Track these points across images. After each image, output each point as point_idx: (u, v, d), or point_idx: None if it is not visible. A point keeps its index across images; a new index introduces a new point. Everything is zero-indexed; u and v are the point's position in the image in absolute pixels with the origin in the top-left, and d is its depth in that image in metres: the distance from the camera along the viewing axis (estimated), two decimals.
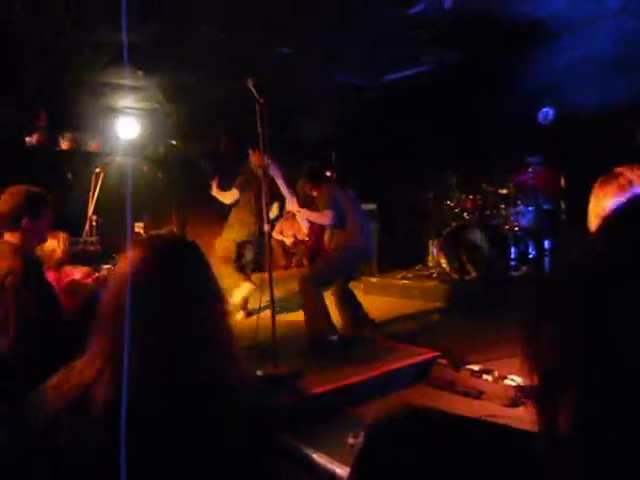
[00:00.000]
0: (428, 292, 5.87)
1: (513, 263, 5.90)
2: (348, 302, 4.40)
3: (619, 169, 1.85)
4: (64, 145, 6.39)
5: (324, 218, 4.13)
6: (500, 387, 3.16)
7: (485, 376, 3.28)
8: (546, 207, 5.95)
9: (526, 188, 5.93)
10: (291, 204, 4.33)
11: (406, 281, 6.26)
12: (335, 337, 3.97)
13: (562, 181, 5.94)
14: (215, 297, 1.06)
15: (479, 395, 3.22)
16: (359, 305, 4.47)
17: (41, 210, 2.38)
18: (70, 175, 6.11)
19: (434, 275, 6.20)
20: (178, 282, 1.02)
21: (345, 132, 7.35)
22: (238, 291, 5.00)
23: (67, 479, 0.92)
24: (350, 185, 5.14)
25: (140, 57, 4.66)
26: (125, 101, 6.46)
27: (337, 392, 3.20)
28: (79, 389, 0.96)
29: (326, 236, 4.44)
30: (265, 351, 3.48)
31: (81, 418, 0.93)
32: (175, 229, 6.97)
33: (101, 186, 5.56)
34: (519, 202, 5.91)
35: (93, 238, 5.16)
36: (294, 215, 4.74)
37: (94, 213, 5.52)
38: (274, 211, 5.10)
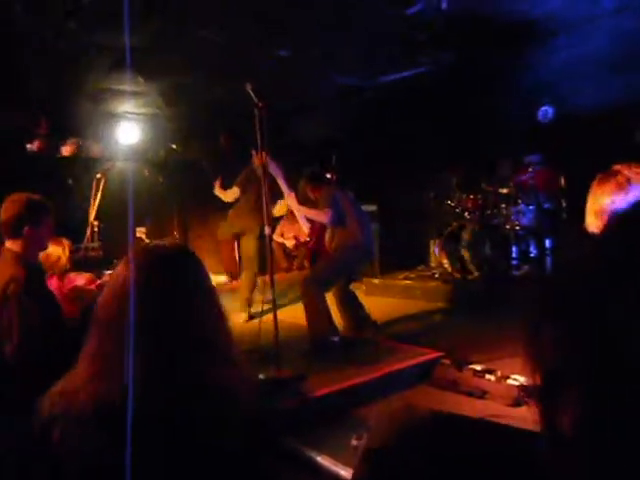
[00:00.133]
0: (430, 292, 5.87)
1: (515, 262, 5.90)
2: (349, 303, 4.41)
3: (617, 167, 1.85)
4: (66, 151, 6.41)
5: (323, 216, 4.14)
6: (503, 387, 3.16)
7: (488, 376, 3.28)
8: (547, 206, 5.95)
9: (526, 187, 5.93)
10: (289, 200, 4.33)
11: (408, 282, 6.26)
12: (337, 338, 3.98)
13: (562, 180, 5.94)
14: (212, 301, 1.08)
15: (482, 395, 3.22)
16: (360, 306, 4.47)
17: (42, 218, 2.39)
18: (71, 181, 6.12)
19: (436, 275, 6.20)
20: (177, 285, 1.03)
21: (345, 134, 7.36)
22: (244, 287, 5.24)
23: None
24: (350, 186, 5.15)
25: (140, 61, 4.67)
26: (125, 106, 6.48)
27: (340, 394, 3.20)
28: (76, 394, 0.96)
29: (327, 236, 4.45)
30: (267, 354, 3.48)
31: (78, 422, 0.94)
32: (177, 232, 6.99)
33: (102, 192, 5.57)
34: (520, 201, 5.91)
35: (95, 244, 5.18)
36: (295, 217, 4.75)
37: (95, 219, 5.53)
38: (281, 209, 5.15)
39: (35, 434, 0.96)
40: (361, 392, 3.26)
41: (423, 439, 0.73)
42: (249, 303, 5.19)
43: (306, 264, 4.79)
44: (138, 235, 6.00)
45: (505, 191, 6.02)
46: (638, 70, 4.89)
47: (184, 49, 4.88)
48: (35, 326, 2.15)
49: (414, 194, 6.92)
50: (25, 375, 2.01)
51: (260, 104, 3.38)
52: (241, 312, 5.18)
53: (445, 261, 6.08)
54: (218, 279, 6.99)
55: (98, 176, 5.62)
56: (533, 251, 5.93)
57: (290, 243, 7.16)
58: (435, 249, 6.38)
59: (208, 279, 1.10)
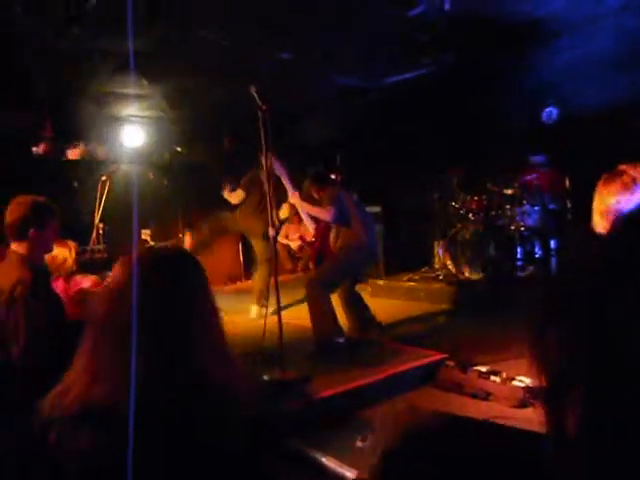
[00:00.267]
0: (434, 294, 5.86)
1: (519, 263, 5.89)
2: (355, 304, 4.41)
3: (622, 167, 1.84)
4: (74, 155, 6.45)
5: (325, 213, 4.14)
6: (508, 388, 3.15)
7: (493, 377, 3.27)
8: (552, 207, 5.93)
9: (531, 188, 5.92)
10: (293, 198, 4.33)
11: (412, 283, 6.25)
12: (342, 340, 3.97)
13: (567, 181, 5.92)
14: (210, 302, 1.09)
15: (487, 397, 3.21)
16: (366, 307, 4.47)
17: (47, 220, 2.40)
18: (76, 184, 6.15)
19: (440, 277, 6.18)
20: (177, 285, 1.05)
21: (349, 135, 7.37)
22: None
23: None
24: (354, 188, 5.16)
25: (144, 65, 4.69)
26: (130, 109, 6.51)
27: (345, 395, 3.20)
28: (69, 395, 0.97)
29: (332, 236, 4.46)
30: (272, 356, 3.48)
31: (73, 424, 0.94)
32: (181, 235, 7.01)
33: (107, 194, 5.60)
34: (525, 202, 5.89)
35: (100, 246, 5.20)
36: (299, 219, 4.76)
37: (100, 221, 5.55)
38: (284, 212, 5.20)
39: (35, 435, 0.97)
40: (366, 393, 3.26)
41: (429, 441, 0.73)
42: (264, 298, 5.24)
43: (311, 265, 4.79)
44: (143, 237, 6.02)
45: (510, 192, 6.00)
46: None
47: (188, 53, 4.89)
48: (41, 328, 2.16)
49: (418, 195, 6.91)
50: (31, 377, 2.02)
51: (264, 106, 3.39)
52: (252, 305, 5.36)
53: (449, 262, 6.07)
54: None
55: (103, 179, 5.65)
56: (538, 252, 5.91)
57: (294, 245, 7.17)
58: (439, 250, 6.37)
59: (206, 280, 1.11)
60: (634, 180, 1.81)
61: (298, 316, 4.85)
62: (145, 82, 5.26)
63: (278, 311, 3.50)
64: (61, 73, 5.05)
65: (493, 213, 6.11)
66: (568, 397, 0.48)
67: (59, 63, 4.79)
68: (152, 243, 5.86)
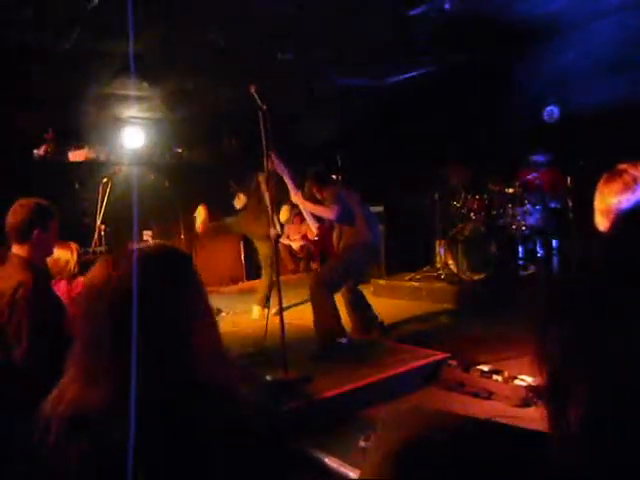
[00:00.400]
0: (436, 293, 5.85)
1: (521, 262, 5.88)
2: (358, 304, 4.41)
3: (623, 166, 1.84)
4: (76, 157, 6.46)
5: (329, 212, 4.13)
6: (510, 387, 3.14)
7: (495, 376, 3.27)
8: (553, 206, 5.92)
9: (532, 187, 5.91)
10: (296, 198, 4.32)
11: (414, 283, 6.24)
12: (344, 340, 3.97)
13: (568, 180, 5.91)
14: (201, 299, 1.08)
15: (489, 396, 3.20)
16: (368, 306, 4.47)
17: (49, 222, 2.41)
18: (77, 186, 6.16)
19: (442, 276, 6.18)
20: (166, 284, 1.03)
21: (349, 135, 7.37)
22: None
23: None
24: (356, 188, 5.15)
25: (144, 66, 4.70)
26: (130, 111, 6.52)
27: (347, 395, 3.20)
28: (68, 398, 0.98)
29: (335, 235, 4.45)
30: (274, 356, 3.48)
31: (74, 425, 0.95)
32: (182, 236, 7.01)
33: (108, 196, 5.60)
34: (526, 201, 5.88)
35: (102, 248, 5.21)
36: (301, 220, 4.76)
37: (102, 223, 5.56)
38: (284, 214, 5.23)
39: (35, 437, 0.98)
40: (368, 393, 3.25)
41: (438, 442, 0.73)
42: (267, 299, 5.33)
43: (313, 266, 4.79)
44: (144, 238, 6.03)
45: (511, 191, 5.99)
46: None
47: (188, 54, 4.90)
48: (43, 330, 2.16)
49: (419, 195, 6.90)
50: (33, 378, 2.03)
51: (264, 107, 3.39)
52: (254, 305, 5.42)
53: (451, 262, 6.07)
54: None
55: (104, 180, 5.65)
56: (540, 251, 5.90)
57: (296, 245, 7.16)
58: (441, 250, 6.36)
59: (197, 279, 1.10)
60: (635, 179, 1.80)
61: (300, 317, 4.86)
62: (145, 84, 5.27)
63: (280, 311, 3.50)
64: (61, 76, 5.06)
65: (494, 212, 6.10)
66: (570, 396, 0.48)
67: (60, 65, 4.79)
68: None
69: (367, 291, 5.42)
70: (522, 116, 6.03)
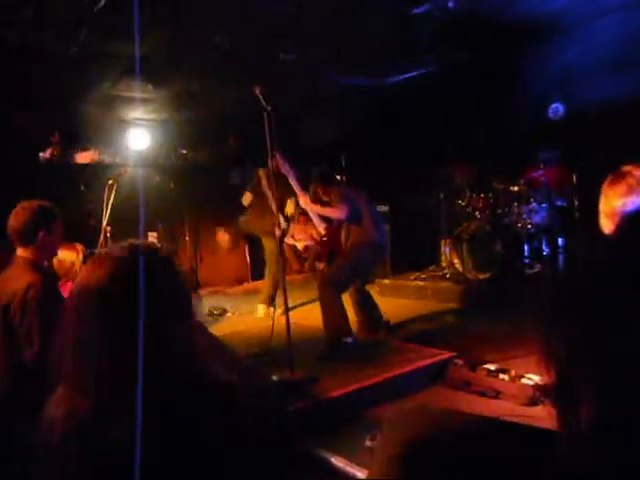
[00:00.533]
0: (442, 293, 5.84)
1: (527, 261, 5.86)
2: (365, 304, 4.41)
3: (627, 168, 1.82)
4: (83, 159, 6.50)
5: (339, 212, 4.13)
6: (517, 386, 3.14)
7: (502, 375, 3.26)
8: (559, 204, 5.89)
9: (538, 185, 5.88)
10: (302, 200, 4.32)
11: (420, 282, 6.24)
12: (351, 340, 3.97)
13: (574, 178, 5.88)
14: (186, 301, 1.09)
15: (496, 395, 3.20)
16: (375, 306, 4.47)
17: (53, 223, 2.42)
18: (83, 188, 6.19)
19: (447, 275, 6.16)
20: (149, 285, 1.03)
21: (354, 135, 7.36)
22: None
23: None
24: (361, 187, 5.14)
25: (150, 68, 4.72)
26: (135, 113, 6.54)
27: (353, 395, 3.20)
28: (66, 397, 0.98)
29: (342, 235, 4.45)
30: (280, 356, 3.49)
31: (73, 424, 0.95)
32: (188, 237, 7.04)
33: (114, 197, 5.62)
34: (531, 199, 5.86)
35: (107, 249, 5.22)
36: (306, 219, 4.75)
37: (108, 224, 5.57)
38: (289, 208, 5.24)
39: (40, 435, 0.98)
40: (374, 393, 3.25)
41: (447, 441, 0.73)
42: (272, 298, 5.34)
43: (319, 266, 4.78)
44: (150, 240, 6.05)
45: (516, 189, 5.97)
46: None
47: (193, 56, 4.91)
48: (53, 331, 2.18)
49: (424, 194, 6.90)
50: (44, 379, 2.04)
51: (269, 108, 3.39)
52: (259, 304, 5.44)
53: (456, 261, 6.05)
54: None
55: (110, 182, 5.67)
56: (545, 249, 5.87)
57: (300, 245, 7.16)
58: (446, 249, 6.35)
59: (180, 279, 1.10)
60: (639, 181, 1.79)
61: (306, 317, 4.86)
62: (150, 86, 5.28)
63: (286, 311, 3.51)
64: (67, 77, 5.08)
65: (500, 211, 6.08)
66: (577, 395, 0.48)
67: (66, 67, 4.81)
68: (158, 245, 5.87)
69: (372, 290, 5.42)
70: (526, 114, 6.01)
